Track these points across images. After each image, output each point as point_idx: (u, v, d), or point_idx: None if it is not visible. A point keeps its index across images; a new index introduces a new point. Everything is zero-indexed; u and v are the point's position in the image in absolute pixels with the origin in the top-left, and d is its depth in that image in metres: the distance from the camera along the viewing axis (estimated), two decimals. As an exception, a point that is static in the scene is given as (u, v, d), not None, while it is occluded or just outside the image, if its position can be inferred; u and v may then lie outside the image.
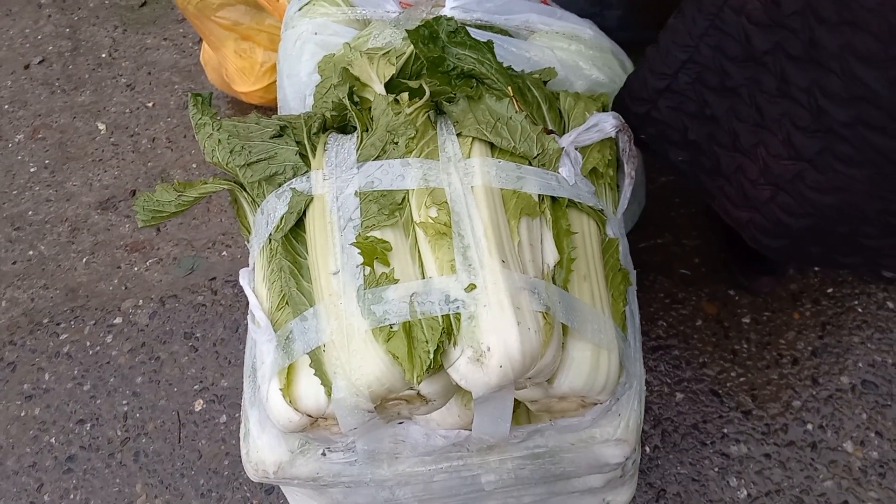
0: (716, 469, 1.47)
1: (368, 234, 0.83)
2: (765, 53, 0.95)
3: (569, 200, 0.91)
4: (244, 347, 1.67)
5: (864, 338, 1.58)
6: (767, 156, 1.00)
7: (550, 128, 0.96)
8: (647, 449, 1.49)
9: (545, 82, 1.10)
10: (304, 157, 0.94)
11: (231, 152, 0.94)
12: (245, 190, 0.98)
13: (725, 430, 1.50)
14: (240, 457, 1.52)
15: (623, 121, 1.02)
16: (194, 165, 2.03)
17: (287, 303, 0.90)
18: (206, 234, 1.88)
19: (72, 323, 1.75)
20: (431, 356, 0.74)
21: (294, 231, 0.89)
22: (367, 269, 0.81)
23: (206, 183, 0.99)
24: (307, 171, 0.92)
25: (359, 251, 0.81)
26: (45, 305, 1.79)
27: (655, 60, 1.10)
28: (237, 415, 1.58)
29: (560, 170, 0.92)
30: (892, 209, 0.97)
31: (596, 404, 0.91)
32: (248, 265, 1.80)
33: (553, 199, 0.91)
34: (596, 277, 0.90)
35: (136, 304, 1.76)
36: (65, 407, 1.62)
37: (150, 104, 2.19)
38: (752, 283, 1.65)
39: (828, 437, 1.48)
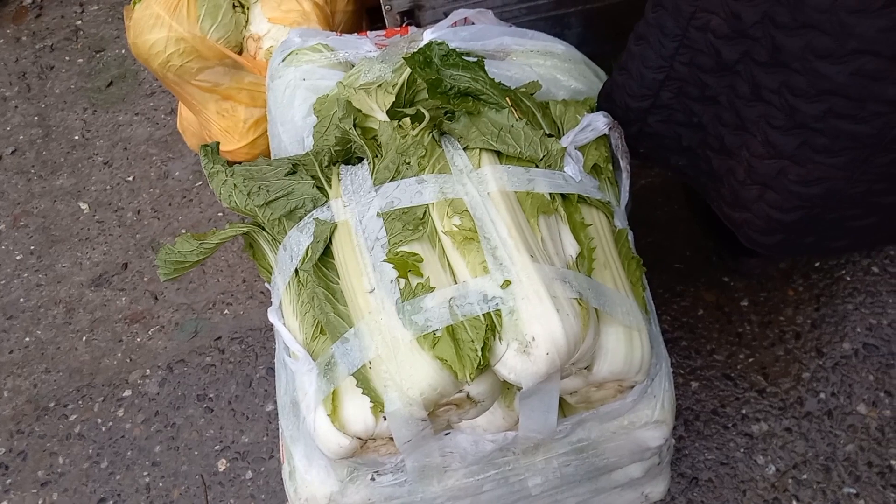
0: (742, 450, 1.50)
1: (397, 251, 0.86)
2: (735, 62, 1.00)
3: (578, 196, 0.96)
4: (259, 402, 1.68)
5: (857, 304, 1.65)
6: (750, 157, 1.04)
7: (549, 132, 1.01)
8: (673, 440, 1.52)
9: (532, 94, 1.16)
10: (320, 189, 0.97)
11: (248, 195, 0.97)
12: (265, 230, 1.00)
13: (744, 411, 1.54)
14: (272, 510, 1.51)
15: (613, 119, 1.08)
16: (183, 231, 2.04)
17: (321, 332, 0.92)
18: (205, 296, 1.88)
19: (80, 403, 1.72)
20: (480, 353, 0.77)
21: (322, 259, 0.92)
22: (402, 282, 0.84)
23: (224, 229, 1.01)
24: (326, 202, 0.95)
25: (392, 266, 0.84)
26: (49, 389, 1.76)
27: (632, 86, 1.14)
28: (262, 469, 1.57)
29: (565, 169, 0.97)
30: (874, 189, 1.02)
31: (633, 386, 0.94)
32: (250, 320, 1.81)
33: (563, 196, 0.96)
34: (614, 265, 0.94)
35: (143, 375, 1.74)
36: (83, 488, 1.59)
37: (130, 178, 2.21)
38: (743, 267, 1.72)
39: (841, 403, 1.53)
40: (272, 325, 1.80)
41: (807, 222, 1.09)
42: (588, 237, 0.92)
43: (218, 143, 1.04)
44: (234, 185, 0.98)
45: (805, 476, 1.45)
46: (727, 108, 1.06)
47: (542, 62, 1.30)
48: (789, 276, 1.71)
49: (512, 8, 1.73)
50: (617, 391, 0.94)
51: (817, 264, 1.72)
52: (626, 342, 0.87)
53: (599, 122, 1.04)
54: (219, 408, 1.66)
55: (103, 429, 1.67)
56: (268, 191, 0.96)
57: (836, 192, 1.02)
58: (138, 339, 1.82)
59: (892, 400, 1.52)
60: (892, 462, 1.44)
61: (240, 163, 1.96)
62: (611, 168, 1.07)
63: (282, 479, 1.54)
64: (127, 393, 1.72)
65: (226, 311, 1.84)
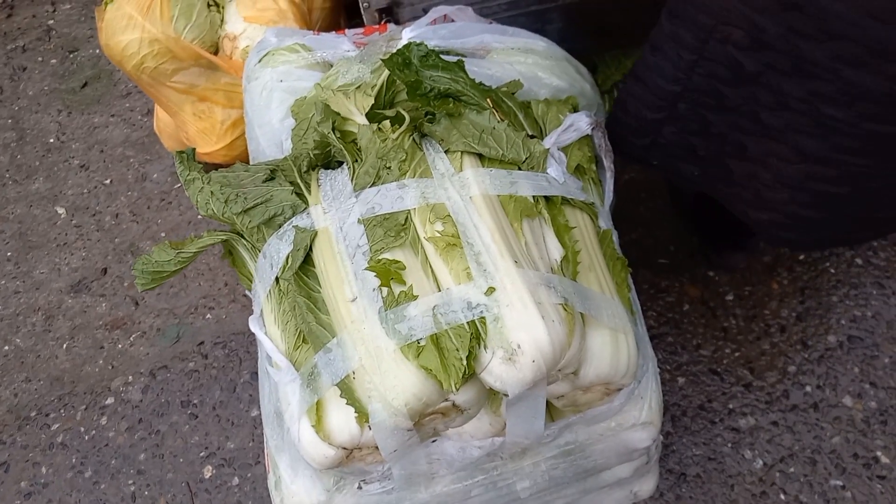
0: (729, 445, 1.50)
1: (379, 258, 0.85)
2: (758, 74, 0.98)
3: (562, 198, 0.95)
4: (244, 407, 1.66)
5: (841, 296, 1.66)
6: (779, 162, 1.03)
7: (531, 133, 1.00)
8: (661, 437, 1.52)
9: (513, 94, 1.14)
10: (299, 195, 0.95)
11: (226, 202, 0.94)
12: (244, 238, 0.98)
13: (731, 406, 1.54)
14: (260, 516, 1.49)
15: (596, 118, 1.07)
16: (163, 234, 2.01)
17: (304, 340, 0.90)
18: (187, 301, 1.85)
19: (62, 411, 1.69)
20: (465, 362, 0.76)
21: (302, 267, 0.90)
22: (385, 290, 0.82)
23: (202, 237, 0.99)
24: (306, 208, 0.93)
25: (374, 274, 0.83)
26: (30, 399, 1.72)
27: (647, 97, 1.12)
28: (249, 475, 1.55)
29: (548, 170, 0.96)
30: None
31: (620, 389, 0.93)
32: (232, 324, 1.79)
33: (547, 198, 0.95)
34: (599, 267, 0.93)
35: (126, 382, 1.72)
36: (68, 498, 1.56)
37: (107, 181, 2.17)
38: (727, 262, 1.72)
39: (827, 396, 1.53)
40: (255, 329, 1.78)
41: (835, 219, 1.08)
42: (572, 240, 0.91)
43: (194, 150, 1.02)
44: (211, 192, 0.95)
45: (792, 469, 1.45)
46: (749, 117, 1.04)
47: (522, 60, 1.28)
48: (773, 270, 1.72)
49: (492, 4, 1.71)
50: (604, 394, 0.93)
51: (801, 257, 1.73)
52: (612, 345, 0.86)
53: (582, 122, 1.03)
54: (203, 414, 1.64)
55: (86, 437, 1.64)
56: (245, 198, 0.94)
57: (865, 189, 1.02)
58: (120, 346, 1.79)
59: (877, 391, 1.53)
60: (878, 453, 1.45)
61: (218, 165, 1.94)
62: (594, 168, 1.06)
63: (267, 484, 1.52)
64: (110, 400, 1.69)
65: (208, 316, 1.81)
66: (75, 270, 1.96)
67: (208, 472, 1.56)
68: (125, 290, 1.89)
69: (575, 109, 1.11)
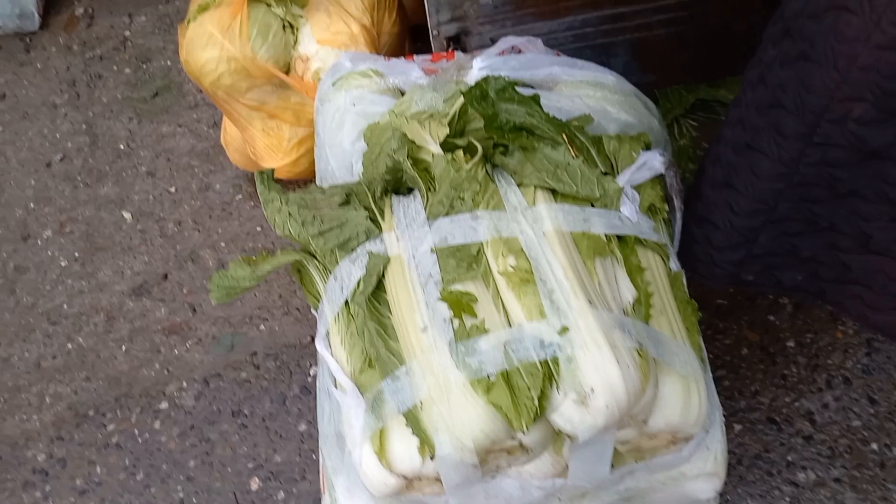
0: (787, 499, 1.45)
1: (451, 289, 0.85)
2: (888, 147, 0.87)
3: (634, 238, 0.94)
4: (293, 420, 1.67)
5: (911, 350, 1.59)
6: None
7: (603, 170, 0.99)
8: (715, 484, 1.47)
9: (583, 128, 1.14)
10: (373, 220, 0.96)
11: (303, 224, 0.96)
12: (315, 258, 1.00)
13: (790, 458, 1.49)
14: (304, 533, 1.50)
15: (668, 157, 1.06)
16: (223, 244, 2.05)
17: (370, 365, 0.91)
18: (242, 311, 1.88)
19: (118, 412, 1.73)
20: (536, 403, 0.75)
21: (373, 292, 0.91)
22: (456, 322, 0.83)
23: (276, 256, 1.01)
24: (379, 234, 0.94)
25: (446, 305, 0.83)
26: (88, 397, 1.77)
27: (740, 204, 1.00)
28: (295, 490, 1.56)
29: (621, 209, 0.95)
30: None
31: (687, 438, 0.91)
32: (285, 336, 1.81)
33: (619, 237, 0.94)
34: (671, 311, 0.92)
35: (180, 387, 1.75)
36: (119, 499, 1.59)
37: (172, 189, 2.23)
38: None
39: (895, 455, 1.47)
40: (307, 342, 1.80)
41: None
42: (645, 282, 0.90)
43: (273, 171, 1.04)
44: (289, 213, 0.97)
45: (853, 529, 1.39)
46: (872, 200, 0.92)
47: (591, 93, 1.28)
48: (837, 318, 1.66)
49: (559, 35, 1.72)
50: (670, 442, 0.91)
51: (869, 306, 1.66)
52: (684, 393, 0.84)
53: (656, 161, 1.02)
54: (253, 425, 1.66)
55: (140, 440, 1.68)
56: (321, 221, 0.96)
57: None
58: (176, 351, 1.83)
59: (948, 453, 1.46)
60: (947, 519, 1.38)
61: (280, 180, 1.97)
62: (666, 208, 1.05)
63: (313, 501, 1.53)
64: (164, 405, 1.73)
65: (262, 327, 1.84)
66: (137, 274, 2.02)
67: (255, 484, 1.58)
68: (184, 297, 1.94)
69: (647, 146, 1.09)
